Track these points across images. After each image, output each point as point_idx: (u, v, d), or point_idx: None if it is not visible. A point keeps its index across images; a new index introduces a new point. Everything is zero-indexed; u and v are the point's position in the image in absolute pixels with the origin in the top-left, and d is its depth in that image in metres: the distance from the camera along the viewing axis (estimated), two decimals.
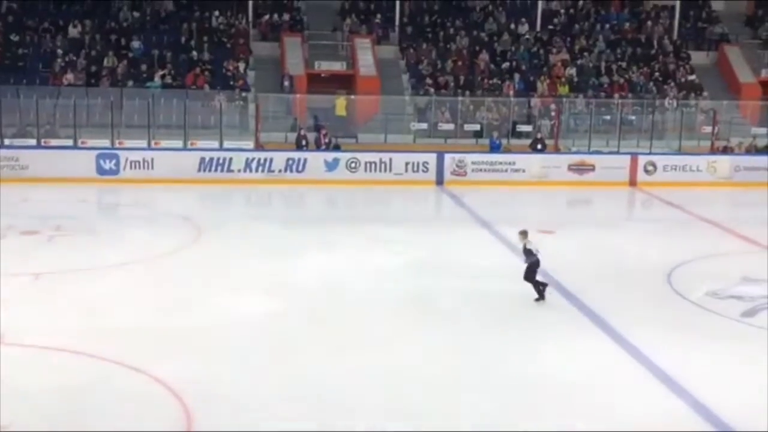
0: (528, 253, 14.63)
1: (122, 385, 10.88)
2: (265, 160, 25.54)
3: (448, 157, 26.21)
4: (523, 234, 14.84)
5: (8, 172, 24.32)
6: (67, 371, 11.30)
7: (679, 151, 28.77)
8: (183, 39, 32.61)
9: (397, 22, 35.16)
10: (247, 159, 25.52)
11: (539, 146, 28.08)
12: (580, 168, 26.45)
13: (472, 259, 17.63)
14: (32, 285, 15.02)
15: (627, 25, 36.24)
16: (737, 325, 13.76)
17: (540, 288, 14.64)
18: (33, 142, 25.73)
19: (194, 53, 31.90)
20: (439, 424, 10.14)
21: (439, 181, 25.90)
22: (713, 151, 28.79)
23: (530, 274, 14.59)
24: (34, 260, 16.62)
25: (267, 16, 34.52)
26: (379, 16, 35.26)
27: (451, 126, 30.39)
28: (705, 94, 33.34)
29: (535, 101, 31.62)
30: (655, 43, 35.58)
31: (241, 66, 31.87)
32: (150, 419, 9.95)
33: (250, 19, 34.39)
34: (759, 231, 19.98)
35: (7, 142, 25.34)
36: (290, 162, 25.61)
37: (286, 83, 31.22)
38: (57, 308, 13.84)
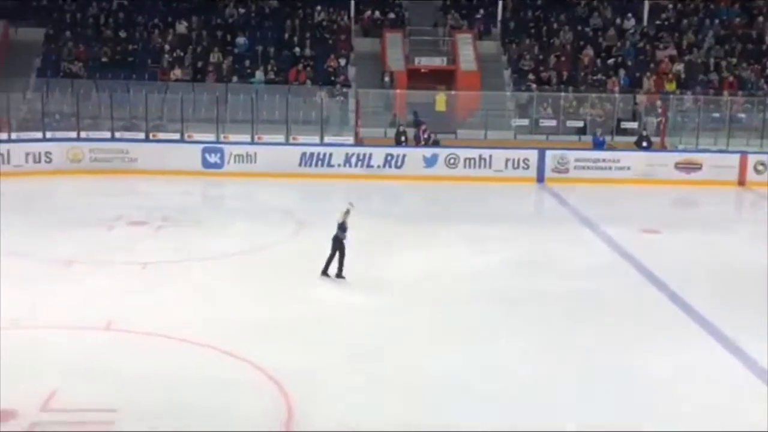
0: (342, 227, 15.03)
1: (224, 373, 11.10)
2: (365, 155, 25.68)
3: (549, 154, 25.89)
4: (347, 212, 15.20)
5: (118, 164, 25.12)
6: (172, 358, 11.61)
7: None
8: (286, 35, 33.05)
9: (499, 17, 34.88)
10: (347, 154, 25.71)
11: (645, 144, 27.44)
12: (687, 166, 25.79)
13: (573, 258, 17.39)
14: (140, 274, 15.46)
15: (737, 20, 35.11)
16: None
17: (339, 269, 15.01)
18: (142, 135, 26.46)
19: (297, 49, 32.29)
20: (534, 422, 10.02)
21: (540, 178, 25.60)
22: None
23: (337, 248, 14.94)
24: (141, 250, 17.11)
25: (369, 12, 34.69)
26: (481, 11, 35.05)
27: (553, 122, 29.97)
28: None
29: (641, 98, 30.92)
30: (766, 39, 34.36)
31: (343, 62, 32.12)
32: (251, 407, 10.14)
33: (352, 15, 34.60)
34: None
35: (117, 135, 26.10)
36: (389, 157, 25.69)
37: (387, 79, 31.31)
38: (163, 297, 14.22)
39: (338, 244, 15.20)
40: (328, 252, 15.22)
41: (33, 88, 29.34)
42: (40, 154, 24.85)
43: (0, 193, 21.04)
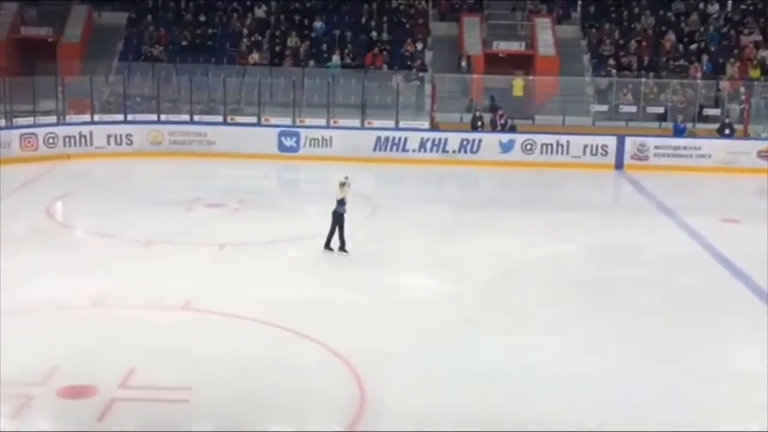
0: (341, 202, 15.53)
1: (298, 355, 11.21)
2: (440, 140, 25.62)
3: (629, 140, 25.47)
4: (344, 185, 15.73)
5: (197, 147, 25.52)
6: (247, 339, 11.76)
7: None
8: (363, 19, 33.08)
9: (579, 1, 34.32)
10: (422, 139, 25.68)
11: (727, 131, 26.78)
12: None
13: (651, 246, 17.12)
14: (217, 255, 15.71)
15: None
16: None
17: (341, 243, 15.54)
18: (220, 118, 26.81)
19: (374, 33, 32.30)
20: (603, 414, 9.90)
21: (619, 165, 25.21)
22: None
23: (337, 223, 15.46)
24: (218, 232, 17.38)
25: None
26: None
27: (633, 108, 29.42)
28: None
29: (724, 84, 30.12)
30: None
31: (419, 46, 32.02)
32: (324, 390, 10.22)
33: None
34: None
35: (196, 118, 26.50)
36: (465, 143, 25.58)
37: (464, 63, 31.12)
38: (239, 278, 14.42)
39: (338, 218, 15.60)
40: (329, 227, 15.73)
41: (115, 71, 29.93)
42: (121, 136, 25.38)
43: (83, 174, 21.60)
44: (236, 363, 10.82)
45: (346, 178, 15.91)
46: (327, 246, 15.69)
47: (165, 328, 12.01)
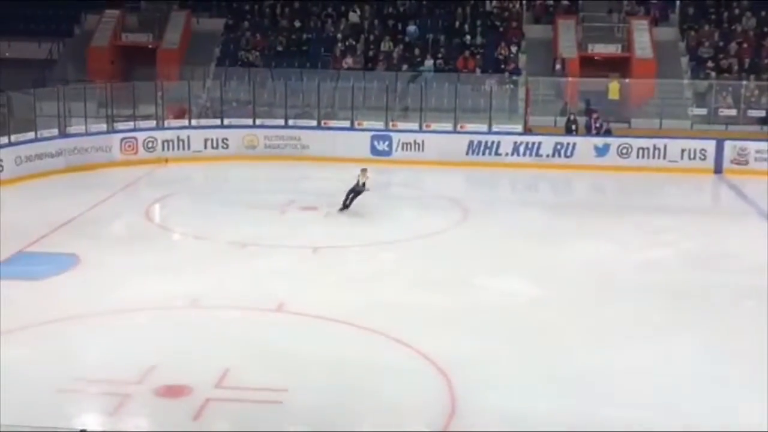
0: (363, 186, 18.88)
1: (390, 359, 11.27)
2: (533, 144, 25.36)
3: (728, 144, 24.78)
4: (364, 171, 19.19)
5: (291, 151, 25.84)
6: (339, 342, 11.87)
7: None
8: (457, 23, 33.02)
9: (677, 3, 33.58)
10: (515, 143, 25.46)
11: None
12: None
13: (750, 253, 16.62)
14: (310, 258, 15.90)
15: None
16: None
17: (347, 202, 18.98)
18: (314, 123, 27.07)
19: (467, 37, 32.21)
20: (701, 422, 9.66)
21: (718, 169, 24.55)
22: None
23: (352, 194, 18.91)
24: (312, 235, 17.59)
25: None
26: None
27: (733, 112, 28.62)
28: None
29: None
30: None
31: (513, 49, 31.80)
32: (416, 394, 10.25)
33: (524, 1, 34.17)
34: None
35: (290, 122, 26.83)
36: (559, 146, 25.26)
37: (558, 66, 30.76)
38: (332, 281, 14.57)
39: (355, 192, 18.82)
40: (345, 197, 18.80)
41: (212, 76, 30.56)
42: (217, 140, 25.87)
43: (180, 177, 22.11)
44: (329, 365, 10.93)
45: (362, 169, 19.29)
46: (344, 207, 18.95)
47: (260, 330, 12.21)
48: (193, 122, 26.37)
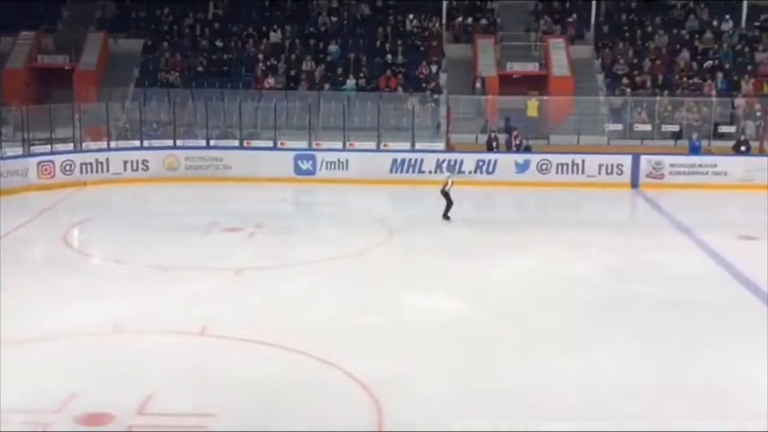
0: (448, 193, 20.58)
1: (317, 380, 11.20)
2: (456, 161, 25.62)
3: (644, 158, 25.39)
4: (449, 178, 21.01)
5: (213, 172, 25.62)
6: (265, 364, 11.77)
7: None
8: (378, 42, 33.25)
9: (592, 21, 34.40)
10: (438, 160, 25.68)
11: (743, 148, 26.68)
12: None
13: (668, 265, 17.04)
14: (234, 280, 15.73)
15: None
16: None
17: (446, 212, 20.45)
18: (236, 143, 26.92)
19: (388, 56, 32.45)
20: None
21: (634, 183, 25.13)
22: None
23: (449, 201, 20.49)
24: (235, 256, 17.45)
25: (460, 19, 34.64)
26: (573, 15, 34.62)
27: (648, 127, 29.42)
28: None
29: (739, 101, 30.06)
30: None
31: (434, 68, 32.15)
32: (342, 414, 10.20)
33: (444, 21, 34.60)
34: None
35: (212, 143, 26.63)
36: (480, 163, 25.57)
37: (478, 85, 31.20)
38: (256, 303, 14.44)
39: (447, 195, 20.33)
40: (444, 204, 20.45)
41: (131, 98, 30.16)
42: (137, 162, 25.50)
43: (99, 201, 21.73)
44: (255, 388, 10.81)
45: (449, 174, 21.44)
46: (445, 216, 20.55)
47: (183, 354, 12.03)
48: (112, 144, 25.98)
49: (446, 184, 20.78)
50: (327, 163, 25.75)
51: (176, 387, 10.82)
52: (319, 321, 13.38)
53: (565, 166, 25.33)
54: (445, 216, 20.56)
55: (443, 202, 20.65)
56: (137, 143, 26.24)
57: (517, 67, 32.57)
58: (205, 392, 10.67)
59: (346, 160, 25.77)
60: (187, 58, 32.63)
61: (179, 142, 26.38)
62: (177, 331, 12.78)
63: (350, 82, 31.25)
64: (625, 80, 31.42)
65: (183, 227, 19.58)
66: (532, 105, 29.99)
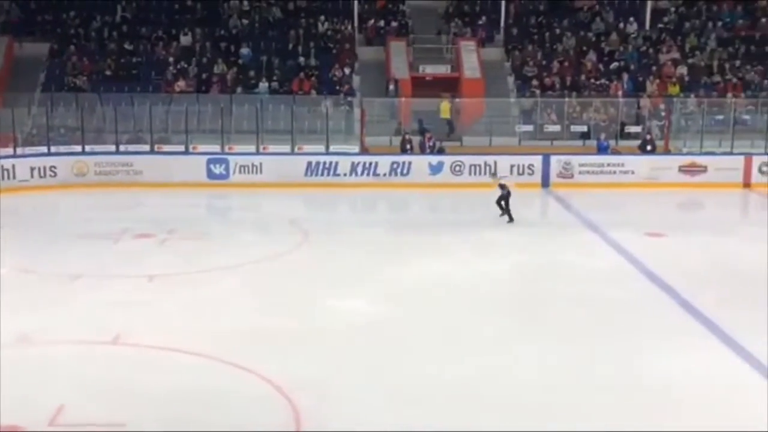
0: (502, 186, 20.75)
1: (233, 387, 11.10)
2: (371, 163, 25.71)
3: (554, 159, 25.90)
4: (497, 178, 21.42)
5: (123, 177, 25.18)
6: (180, 372, 11.61)
7: None
8: (290, 45, 33.14)
9: (502, 24, 34.92)
10: (353, 163, 25.75)
11: (649, 147, 27.46)
12: (691, 169, 25.78)
13: (580, 262, 17.41)
14: (146, 287, 15.48)
15: (740, 22, 35.08)
16: None
17: (508, 213, 20.51)
18: (146, 147, 26.53)
19: (301, 59, 32.38)
20: (545, 425, 10.03)
21: (545, 183, 25.61)
22: None
23: (501, 201, 20.54)
24: (147, 263, 17.16)
25: (372, 21, 34.77)
26: (484, 18, 35.10)
27: (557, 128, 30.01)
28: None
29: (645, 101, 30.91)
30: None
31: (347, 71, 32.19)
32: (260, 420, 10.13)
33: (356, 24, 34.68)
34: None
35: (122, 148, 26.17)
36: (395, 165, 25.72)
37: (391, 87, 31.37)
38: (170, 309, 14.23)
39: (503, 199, 20.50)
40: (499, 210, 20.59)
41: (38, 103, 29.44)
42: (45, 168, 24.91)
43: (6, 209, 21.12)
44: (170, 397, 10.67)
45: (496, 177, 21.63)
46: (510, 220, 20.59)
47: (95, 365, 11.79)
48: (19, 151, 25.33)
49: (503, 186, 20.81)
50: (240, 167, 25.55)
51: (89, 398, 10.59)
52: (234, 326, 13.27)
53: (478, 168, 25.65)
54: (510, 218, 20.57)
55: (360, 203, 20.65)
56: (45, 149, 25.63)
57: (429, 70, 32.86)
58: (118, 402, 10.48)
59: (260, 164, 25.60)
60: (95, 61, 31.98)
61: (88, 148, 25.85)
62: (88, 341, 12.52)
63: (263, 85, 31.07)
64: (534, 82, 31.99)
65: (93, 234, 19.19)
66: (445, 107, 30.29)
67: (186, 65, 31.85)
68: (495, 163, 24.89)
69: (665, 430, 10.02)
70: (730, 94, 31.23)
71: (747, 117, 29.97)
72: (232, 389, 10.99)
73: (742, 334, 12.81)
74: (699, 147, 27.80)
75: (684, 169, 25.81)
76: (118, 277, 16.05)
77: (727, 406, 10.63)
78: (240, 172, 25.51)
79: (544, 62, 33.04)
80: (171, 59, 32.03)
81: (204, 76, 31.54)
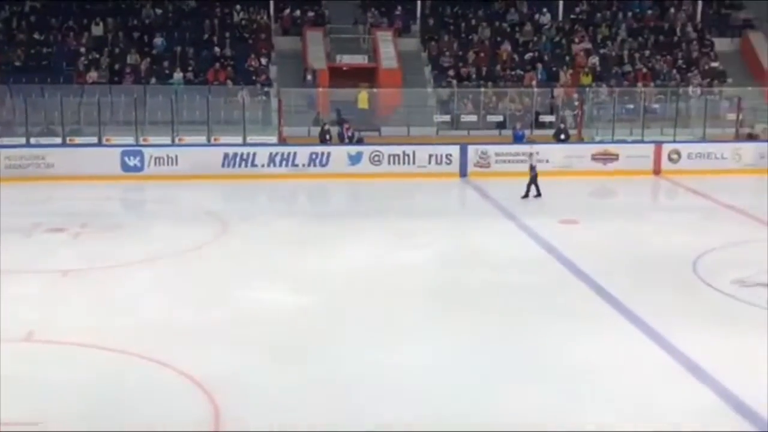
0: (532, 168, 22.18)
1: (150, 381, 10.98)
2: (289, 154, 25.57)
3: (471, 148, 26.15)
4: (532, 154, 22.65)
5: (34, 171, 24.52)
6: (96, 367, 11.43)
7: (704, 139, 28.50)
8: (205, 35, 32.74)
9: (418, 15, 35.09)
10: (271, 154, 25.56)
11: (563, 136, 27.96)
12: (603, 157, 26.31)
13: (497, 250, 17.65)
14: (60, 282, 15.19)
15: (649, 12, 35.96)
16: (764, 312, 13.66)
17: (537, 192, 22.15)
18: (58, 140, 25.92)
19: (216, 49, 32.02)
20: (466, 413, 10.17)
21: (463, 173, 25.84)
22: (738, 138, 28.50)
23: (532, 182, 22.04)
24: (61, 257, 16.82)
25: (288, 11, 34.58)
26: (400, 8, 35.21)
27: (474, 117, 30.33)
28: (729, 81, 33.00)
29: (558, 91, 31.46)
30: (678, 30, 35.27)
31: (264, 61, 31.96)
32: (179, 414, 10.05)
33: (272, 14, 34.44)
34: None
35: (33, 141, 25.53)
36: (314, 156, 25.64)
37: (309, 77, 31.26)
38: (85, 304, 13.99)
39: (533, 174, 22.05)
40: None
41: None
42: None
43: None
44: (85, 393, 10.49)
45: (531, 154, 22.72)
46: (525, 196, 22.15)
47: (7, 361, 11.47)
48: None
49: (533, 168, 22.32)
50: (155, 159, 25.12)
51: (1, 396, 10.32)
52: (151, 320, 13.11)
53: (396, 157, 25.75)
54: (538, 192, 22.27)
55: (278, 194, 20.51)
56: None
57: (346, 60, 32.85)
58: (32, 400, 10.26)
59: (176, 156, 25.23)
60: (3, 52, 31.05)
61: None
62: (1, 338, 12.19)
63: (177, 75, 30.64)
64: (451, 72, 32.25)
65: (4, 229, 18.62)
66: (363, 97, 30.34)
67: (98, 56, 31.20)
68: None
69: (577, 409, 10.26)
70: (640, 84, 32.02)
71: (656, 106, 30.77)
72: (149, 385, 10.86)
73: (651, 317, 13.19)
74: (611, 135, 28.44)
75: (597, 157, 26.34)
76: (31, 272, 15.69)
77: (638, 386, 10.94)
78: (155, 164, 25.09)
79: (460, 53, 33.33)
80: (83, 50, 31.34)
81: (117, 66, 30.95)
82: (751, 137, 28.65)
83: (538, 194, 22.20)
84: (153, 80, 30.35)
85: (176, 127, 26.82)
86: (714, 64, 33.73)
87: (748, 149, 26.94)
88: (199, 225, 19.85)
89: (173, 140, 26.21)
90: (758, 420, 9.97)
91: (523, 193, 22.15)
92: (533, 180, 22.23)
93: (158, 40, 32.10)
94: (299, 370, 11.34)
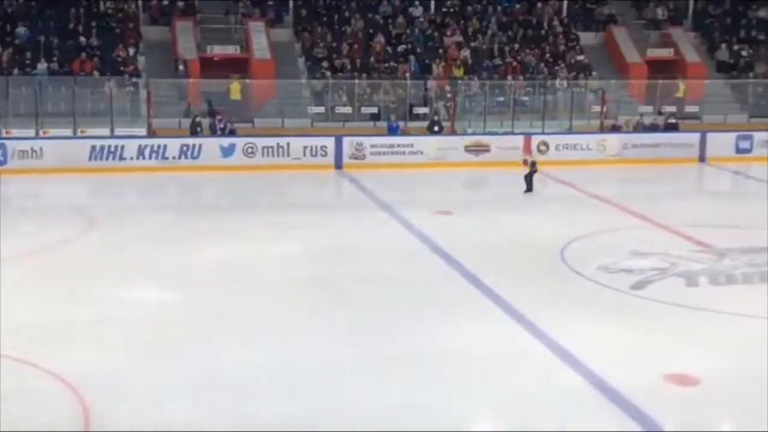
0: (533, 164, 22.70)
1: (15, 382, 10.54)
2: (159, 147, 25.01)
3: (346, 140, 26.19)
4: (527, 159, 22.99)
5: None
6: None
7: (570, 131, 29.44)
8: (70, 25, 31.66)
9: (291, 5, 34.87)
10: (140, 146, 24.96)
11: (436, 128, 28.32)
12: (476, 149, 26.79)
13: (373, 242, 17.74)
14: None
15: (518, 7, 36.76)
16: (627, 297, 14.20)
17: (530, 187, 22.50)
18: None
19: (82, 39, 31.01)
20: (343, 403, 10.20)
21: (338, 164, 25.87)
22: (602, 129, 29.50)
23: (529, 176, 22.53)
24: None
25: (157, 0, 33.78)
26: None
27: (348, 109, 30.36)
28: (594, 74, 34.10)
29: (431, 84, 31.83)
30: (545, 24, 36.20)
31: (132, 51, 31.14)
32: (46, 415, 9.70)
33: (140, 3, 33.58)
34: (647, 206, 20.70)
35: None
36: (185, 148, 25.16)
37: (181, 68, 30.64)
38: None
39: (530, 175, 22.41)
40: None
41: None
42: None
43: None
44: None
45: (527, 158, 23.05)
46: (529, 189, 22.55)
47: None
48: None
49: (533, 163, 22.72)
50: (19, 152, 24.15)
51: None
52: (16, 319, 12.57)
53: (270, 149, 25.55)
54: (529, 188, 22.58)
55: (148, 188, 20.06)
56: None
57: (217, 50, 32.35)
58: None
59: (40, 149, 24.32)
60: None
61: None
62: None
63: (41, 66, 29.54)
64: (325, 64, 32.19)
65: None
66: (235, 88, 29.97)
67: None
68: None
69: (446, 396, 10.42)
70: (510, 77, 32.72)
71: (526, 98, 31.53)
72: (14, 384, 10.43)
73: (521, 305, 13.52)
74: (483, 127, 29.00)
75: (469, 149, 26.79)
76: None
77: (512, 374, 11.18)
78: (18, 157, 24.12)
79: (333, 44, 33.30)
80: None
81: None
82: (615, 128, 29.68)
83: (528, 189, 22.57)
84: (15, 71, 29.18)
85: (40, 120, 25.87)
86: (579, 58, 34.78)
87: (613, 140, 27.93)
88: (65, 221, 19.19)
89: (37, 133, 25.29)
90: (620, 399, 10.33)
91: (525, 188, 22.53)
92: (531, 174, 22.52)
93: (21, 30, 30.83)
94: (168, 368, 11.11)
